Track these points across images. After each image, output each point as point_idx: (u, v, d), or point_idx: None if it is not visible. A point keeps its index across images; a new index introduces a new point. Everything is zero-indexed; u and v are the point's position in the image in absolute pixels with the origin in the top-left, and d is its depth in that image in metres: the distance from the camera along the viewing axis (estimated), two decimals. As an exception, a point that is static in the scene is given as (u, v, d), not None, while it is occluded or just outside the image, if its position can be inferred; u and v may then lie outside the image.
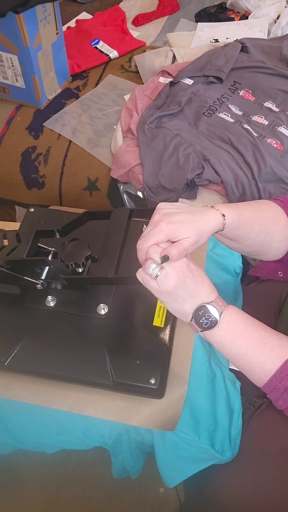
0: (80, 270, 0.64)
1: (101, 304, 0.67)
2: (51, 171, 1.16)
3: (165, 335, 0.66)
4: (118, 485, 1.08)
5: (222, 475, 0.70)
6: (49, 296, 0.67)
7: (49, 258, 0.67)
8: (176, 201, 0.98)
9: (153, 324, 0.66)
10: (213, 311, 0.52)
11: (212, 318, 0.52)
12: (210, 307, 0.52)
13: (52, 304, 0.67)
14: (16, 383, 0.64)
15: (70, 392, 0.64)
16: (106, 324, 0.66)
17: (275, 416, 0.67)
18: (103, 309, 0.66)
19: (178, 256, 0.49)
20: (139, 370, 0.61)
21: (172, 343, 0.66)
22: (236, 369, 0.75)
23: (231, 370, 0.75)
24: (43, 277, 0.65)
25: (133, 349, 0.63)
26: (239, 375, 0.75)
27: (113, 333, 0.65)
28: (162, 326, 0.66)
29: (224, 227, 0.55)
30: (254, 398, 0.74)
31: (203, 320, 0.52)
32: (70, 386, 0.64)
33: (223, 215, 0.55)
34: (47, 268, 0.66)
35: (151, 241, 0.50)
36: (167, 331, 0.66)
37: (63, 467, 1.11)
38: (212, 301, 0.52)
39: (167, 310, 0.64)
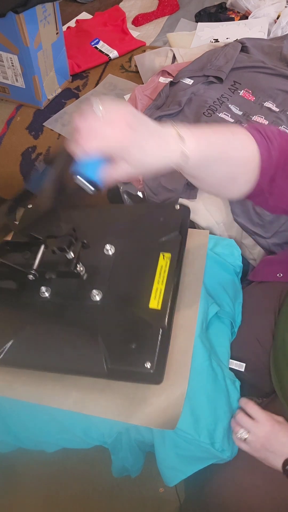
0: (71, 256, 0.63)
1: (95, 290, 0.66)
2: (51, 171, 1.16)
3: (163, 318, 0.63)
4: (118, 485, 1.08)
5: (222, 474, 0.70)
6: (43, 287, 0.67)
7: (41, 248, 0.67)
8: (176, 201, 0.99)
9: (150, 307, 0.64)
10: None
11: None
12: None
13: (46, 294, 0.66)
14: (16, 382, 0.64)
15: (70, 391, 0.64)
16: (101, 310, 0.65)
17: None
18: (97, 295, 0.65)
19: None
20: (134, 354, 0.59)
21: (171, 325, 0.64)
22: (236, 368, 0.76)
23: (231, 369, 0.75)
24: (34, 267, 0.65)
25: (128, 333, 0.62)
26: (239, 374, 0.75)
27: (108, 319, 0.64)
28: (160, 308, 0.64)
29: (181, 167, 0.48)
30: (254, 397, 0.74)
31: None
32: (70, 385, 0.64)
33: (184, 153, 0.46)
34: (38, 257, 0.66)
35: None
36: (165, 313, 0.64)
37: (63, 466, 1.11)
38: None
39: (164, 292, 0.64)
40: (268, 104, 1.12)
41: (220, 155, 0.50)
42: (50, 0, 1.07)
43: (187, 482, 0.74)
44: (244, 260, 0.96)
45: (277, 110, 1.11)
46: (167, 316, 0.63)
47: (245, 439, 0.61)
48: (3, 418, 0.71)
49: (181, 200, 0.99)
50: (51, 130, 1.21)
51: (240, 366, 0.75)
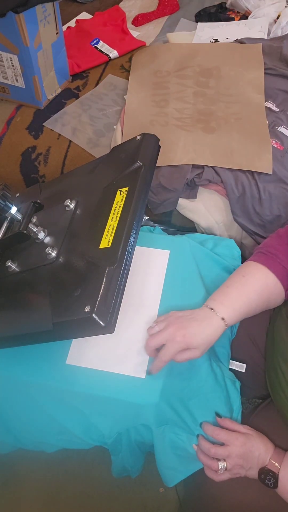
0: (19, 217, 0.62)
1: (49, 248, 0.62)
2: (51, 171, 1.16)
3: (112, 254, 0.55)
4: (118, 485, 1.08)
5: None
6: (8, 262, 0.65)
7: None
8: (176, 200, 0.99)
9: (100, 247, 0.58)
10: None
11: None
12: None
13: (13, 267, 0.65)
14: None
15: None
16: (56, 266, 0.61)
17: (273, 416, 0.68)
18: (53, 252, 0.62)
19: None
20: (76, 301, 0.53)
21: (126, 261, 0.56)
22: (236, 369, 0.75)
23: (231, 370, 0.75)
24: None
25: (75, 282, 0.56)
26: (239, 375, 0.75)
27: (60, 273, 0.59)
28: (110, 245, 0.57)
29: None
30: (254, 398, 0.74)
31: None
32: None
33: (224, 321, 0.61)
34: None
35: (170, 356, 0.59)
36: (115, 249, 0.56)
37: (63, 466, 1.11)
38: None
39: (117, 228, 0.58)
40: (268, 104, 1.12)
41: (249, 304, 0.62)
42: (50, 0, 1.06)
43: (187, 482, 0.74)
44: (244, 260, 0.96)
45: (277, 110, 1.11)
46: (118, 252, 0.55)
47: (225, 468, 0.60)
48: (3, 419, 0.71)
49: (181, 200, 0.99)
50: (51, 130, 1.21)
51: (241, 367, 0.75)
